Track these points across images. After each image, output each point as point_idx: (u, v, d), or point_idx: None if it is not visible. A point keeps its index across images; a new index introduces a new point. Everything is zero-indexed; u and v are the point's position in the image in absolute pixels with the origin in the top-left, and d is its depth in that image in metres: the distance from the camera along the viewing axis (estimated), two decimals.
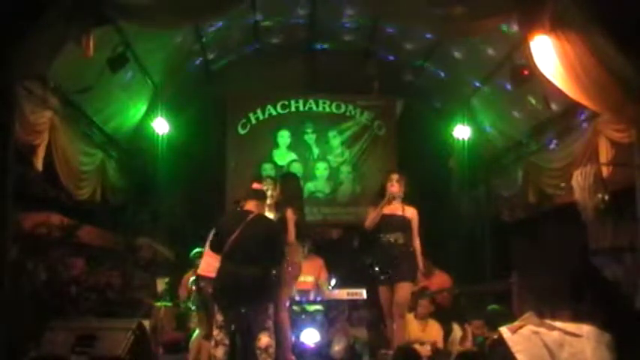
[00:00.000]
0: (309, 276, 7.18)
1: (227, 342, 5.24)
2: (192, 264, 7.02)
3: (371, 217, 6.08)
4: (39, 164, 6.02)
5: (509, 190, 8.59)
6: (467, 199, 9.54)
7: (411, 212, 6.08)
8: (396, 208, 6.06)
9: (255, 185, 5.86)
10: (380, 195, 6.19)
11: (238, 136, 9.79)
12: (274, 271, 5.51)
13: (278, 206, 5.89)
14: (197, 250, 6.68)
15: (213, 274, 5.46)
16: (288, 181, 6.17)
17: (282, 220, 5.68)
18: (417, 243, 6.06)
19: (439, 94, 9.61)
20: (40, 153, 6.04)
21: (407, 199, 6.16)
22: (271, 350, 5.23)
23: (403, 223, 6.02)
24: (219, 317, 5.26)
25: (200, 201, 9.13)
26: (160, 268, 8.28)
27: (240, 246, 5.23)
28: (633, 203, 5.37)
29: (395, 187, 6.07)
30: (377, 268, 6.03)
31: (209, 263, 5.77)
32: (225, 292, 5.25)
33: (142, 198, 9.05)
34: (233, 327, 5.35)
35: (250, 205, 5.53)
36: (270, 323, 5.28)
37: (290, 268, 5.76)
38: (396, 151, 9.86)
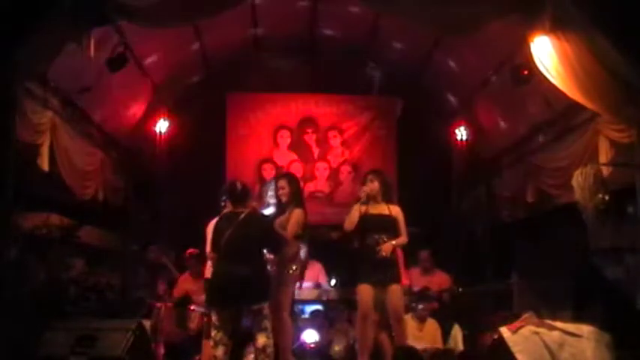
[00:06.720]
0: (308, 281, 7.18)
1: (226, 341, 5.20)
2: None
3: (350, 219, 5.86)
4: (44, 164, 6.04)
5: (509, 190, 8.59)
6: (467, 199, 9.54)
7: (396, 211, 5.97)
8: (382, 208, 5.94)
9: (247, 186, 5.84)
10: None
11: (238, 136, 9.79)
12: (272, 269, 5.52)
13: (288, 205, 5.89)
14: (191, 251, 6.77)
15: None
16: (293, 181, 6.15)
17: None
18: (403, 240, 5.92)
19: (439, 94, 9.61)
20: (45, 153, 6.05)
21: (386, 197, 6.02)
22: (269, 350, 5.20)
23: (389, 223, 5.89)
24: (214, 317, 5.24)
25: (200, 201, 9.13)
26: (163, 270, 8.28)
27: (232, 245, 5.21)
28: (633, 203, 5.37)
29: (368, 186, 5.96)
30: (365, 268, 5.80)
31: (210, 267, 5.79)
32: (219, 292, 5.25)
33: (141, 198, 9.05)
34: (231, 327, 5.33)
35: (240, 206, 5.51)
36: (267, 323, 5.22)
37: (290, 271, 5.77)
38: (396, 151, 9.86)
